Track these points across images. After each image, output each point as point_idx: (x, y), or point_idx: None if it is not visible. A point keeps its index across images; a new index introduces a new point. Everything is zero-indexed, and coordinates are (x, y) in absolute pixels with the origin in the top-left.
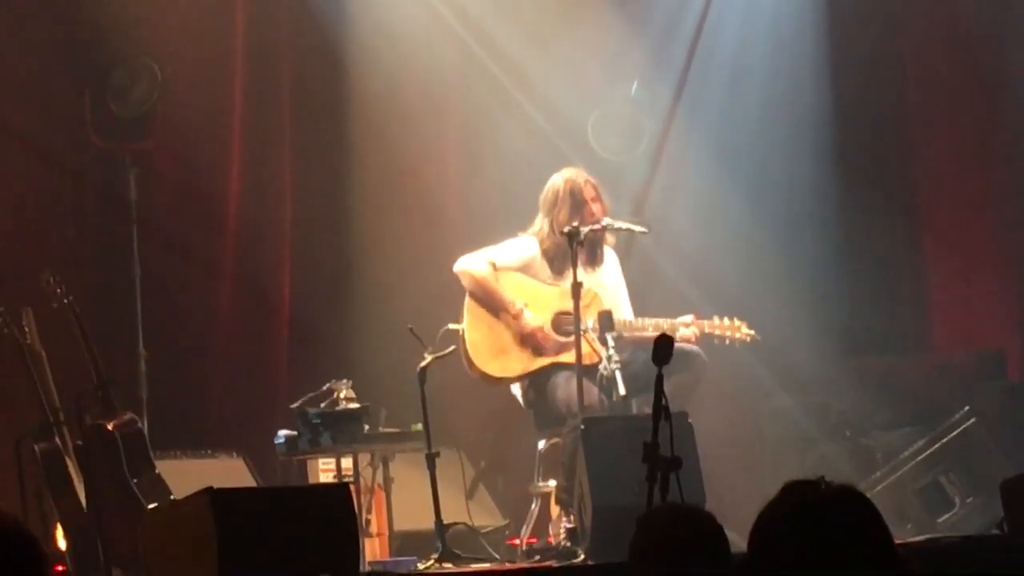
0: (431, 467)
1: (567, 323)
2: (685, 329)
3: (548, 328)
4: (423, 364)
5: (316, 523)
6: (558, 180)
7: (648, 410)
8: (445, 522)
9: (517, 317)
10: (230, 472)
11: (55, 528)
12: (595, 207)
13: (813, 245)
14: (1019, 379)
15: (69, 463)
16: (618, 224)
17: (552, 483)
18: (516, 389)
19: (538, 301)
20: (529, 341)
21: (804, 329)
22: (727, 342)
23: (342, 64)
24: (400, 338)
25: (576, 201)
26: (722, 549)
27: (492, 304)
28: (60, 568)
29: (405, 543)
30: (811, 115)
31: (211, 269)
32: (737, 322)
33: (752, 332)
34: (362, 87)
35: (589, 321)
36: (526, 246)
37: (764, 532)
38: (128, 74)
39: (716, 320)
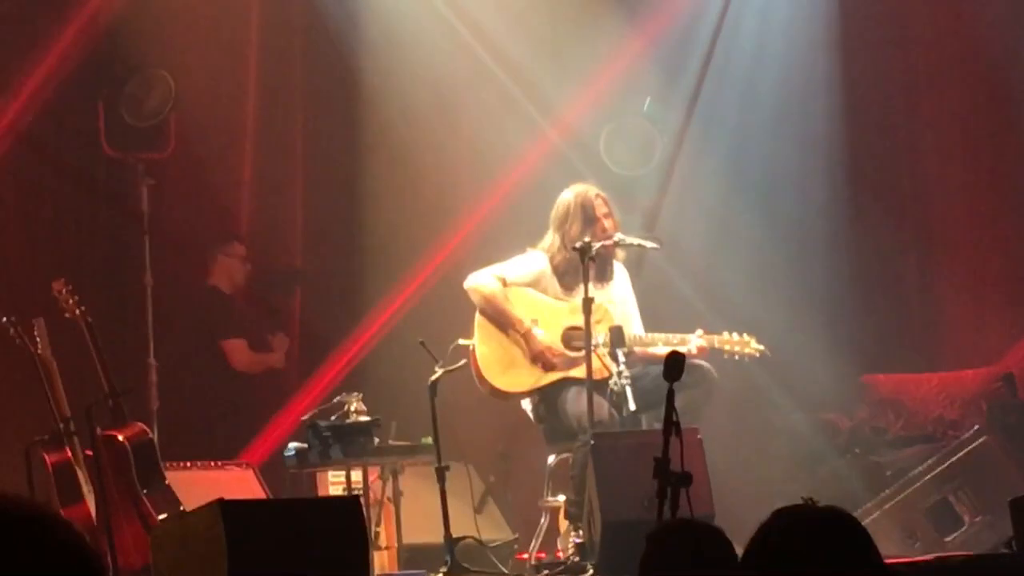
0: (440, 481)
1: (577, 338)
2: (695, 340)
3: (557, 345)
4: (434, 378)
5: (326, 536)
6: (569, 195)
7: (658, 425)
8: (454, 536)
9: (526, 335)
10: (240, 483)
11: None
12: (607, 222)
13: (824, 261)
14: None
15: (79, 473)
16: (630, 239)
17: (561, 498)
18: (526, 404)
19: (548, 317)
20: (539, 359)
21: (815, 345)
22: (736, 357)
23: (355, 77)
24: (411, 352)
25: (588, 216)
26: (732, 566)
27: (501, 321)
28: None
29: (414, 556)
30: (823, 131)
31: None
32: (747, 337)
33: (761, 347)
34: (375, 99)
35: (600, 336)
36: (536, 261)
37: (755, 557)
38: (141, 85)
39: (726, 335)
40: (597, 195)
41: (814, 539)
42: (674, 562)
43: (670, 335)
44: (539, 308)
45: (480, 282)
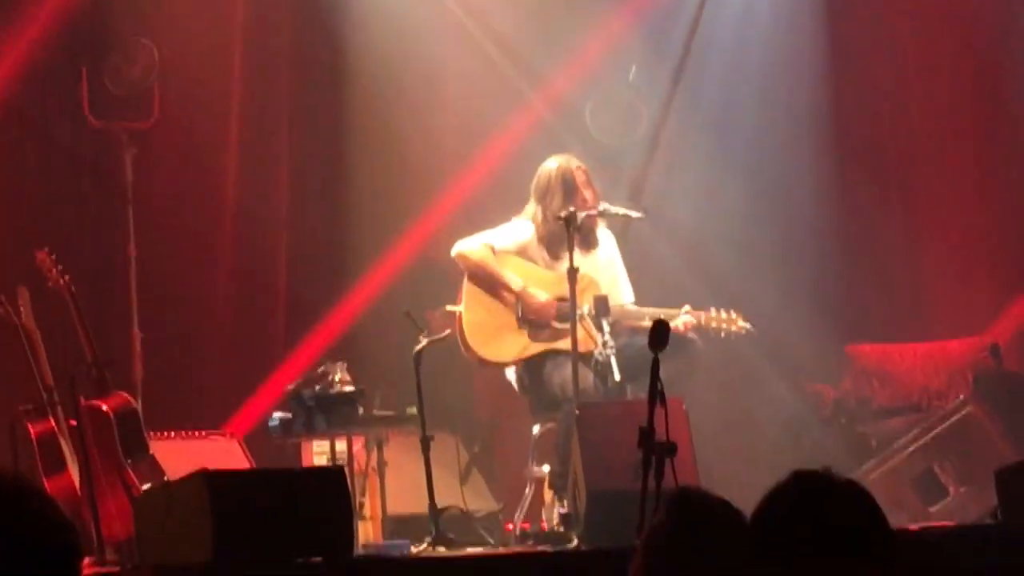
0: (425, 451)
1: (563, 309)
2: (683, 316)
3: (555, 301)
4: (419, 348)
5: (310, 506)
6: (550, 166)
7: (643, 395)
8: (439, 506)
9: (521, 294)
10: (224, 453)
11: None
12: (587, 193)
13: (809, 231)
14: (1015, 367)
15: (63, 443)
16: (614, 209)
17: (546, 468)
18: (511, 374)
19: (537, 284)
20: (539, 313)
21: (800, 316)
22: (723, 335)
23: (341, 46)
24: (396, 321)
25: (568, 187)
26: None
27: (493, 284)
28: None
29: (398, 527)
30: (809, 101)
31: (208, 250)
32: (733, 314)
33: (748, 324)
34: (361, 70)
35: (585, 306)
36: (523, 230)
37: (769, 517)
38: (125, 54)
39: (712, 312)
40: (578, 167)
41: (833, 507)
42: (685, 534)
43: (657, 310)
44: (528, 275)
45: (468, 248)
